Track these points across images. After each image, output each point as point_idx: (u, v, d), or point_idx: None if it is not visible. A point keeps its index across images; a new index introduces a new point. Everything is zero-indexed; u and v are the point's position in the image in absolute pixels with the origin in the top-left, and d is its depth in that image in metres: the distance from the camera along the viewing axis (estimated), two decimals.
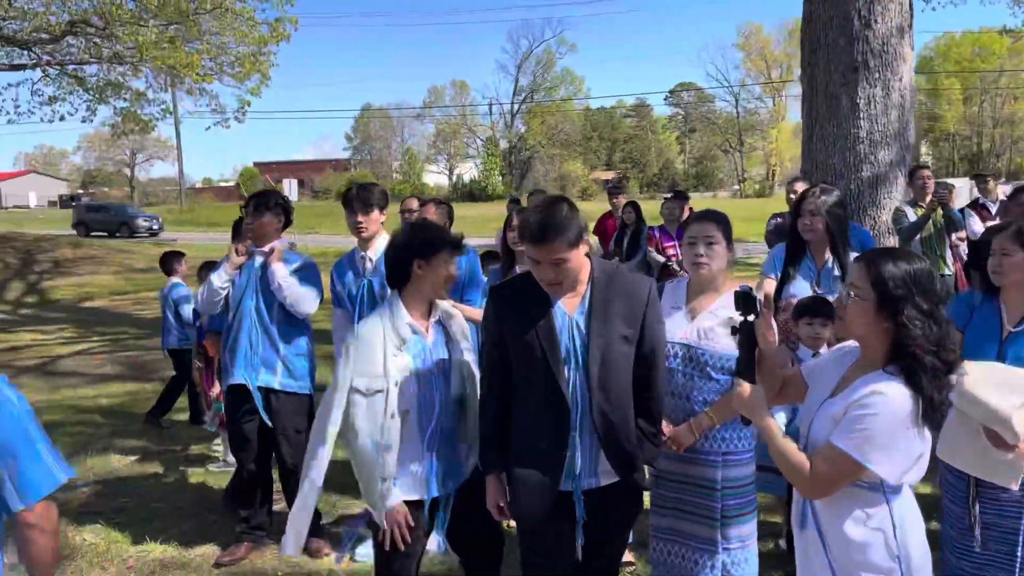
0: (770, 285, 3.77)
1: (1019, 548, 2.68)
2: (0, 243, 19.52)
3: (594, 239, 8.67)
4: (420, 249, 2.74)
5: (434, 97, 77.71)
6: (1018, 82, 62.25)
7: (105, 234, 32.18)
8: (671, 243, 7.76)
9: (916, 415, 1.93)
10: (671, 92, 79.72)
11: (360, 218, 3.98)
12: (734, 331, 2.16)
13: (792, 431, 2.37)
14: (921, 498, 2.25)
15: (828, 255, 3.69)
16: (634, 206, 8.32)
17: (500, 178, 64.85)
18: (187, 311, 6.32)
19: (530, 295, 2.46)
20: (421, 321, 2.78)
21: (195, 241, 26.56)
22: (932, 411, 1.93)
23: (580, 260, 2.42)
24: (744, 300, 2.13)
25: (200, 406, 6.44)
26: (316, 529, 4.27)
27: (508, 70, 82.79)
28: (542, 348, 2.42)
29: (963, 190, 15.71)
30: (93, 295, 15.60)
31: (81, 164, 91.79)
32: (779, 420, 2.90)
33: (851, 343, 2.16)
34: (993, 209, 7.46)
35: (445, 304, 2.89)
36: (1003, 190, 8.23)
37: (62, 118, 23.49)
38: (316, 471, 2.79)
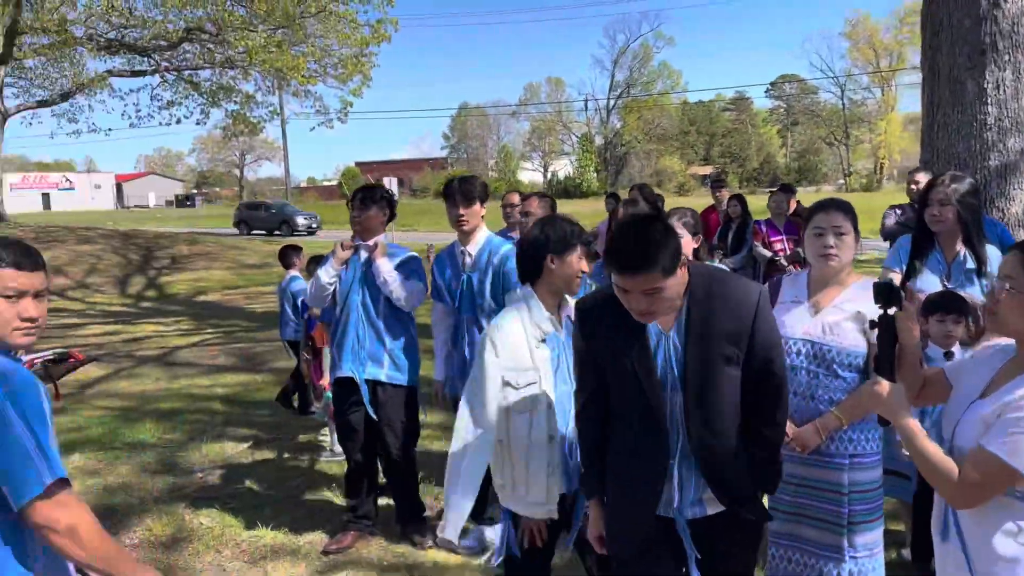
0: (895, 280, 3.56)
1: None
2: (123, 240, 20.66)
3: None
4: (553, 244, 2.68)
5: (530, 94, 78.09)
6: None
7: (264, 232, 33.07)
8: (778, 237, 7.51)
9: None
10: (772, 84, 77.65)
11: (461, 211, 3.98)
12: (872, 325, 2.02)
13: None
14: None
15: (959, 247, 3.45)
16: (739, 199, 8.08)
17: (595, 174, 64.47)
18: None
19: (619, 310, 2.13)
20: (553, 315, 2.75)
21: (317, 239, 27.46)
22: None
23: (677, 284, 2.08)
24: (886, 292, 1.98)
25: (308, 396, 6.62)
26: (420, 521, 4.31)
27: (604, 65, 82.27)
28: (635, 370, 2.17)
29: None
30: (207, 289, 16.31)
31: (195, 165, 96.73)
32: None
33: (1003, 341, 1.98)
34: None
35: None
36: None
37: (178, 121, 24.72)
38: (476, 462, 2.72)
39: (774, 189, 8.22)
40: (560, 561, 3.56)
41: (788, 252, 7.34)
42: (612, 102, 73.11)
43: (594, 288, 3.96)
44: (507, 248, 4.01)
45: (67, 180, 77.98)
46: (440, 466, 5.27)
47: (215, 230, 33.09)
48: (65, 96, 24.40)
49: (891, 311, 1.99)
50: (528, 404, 2.62)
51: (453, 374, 4.14)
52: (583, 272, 2.73)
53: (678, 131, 74.56)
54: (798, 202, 8.30)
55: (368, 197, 4.21)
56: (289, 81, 22.44)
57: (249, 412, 6.89)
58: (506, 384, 2.63)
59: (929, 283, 3.46)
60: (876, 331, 2.02)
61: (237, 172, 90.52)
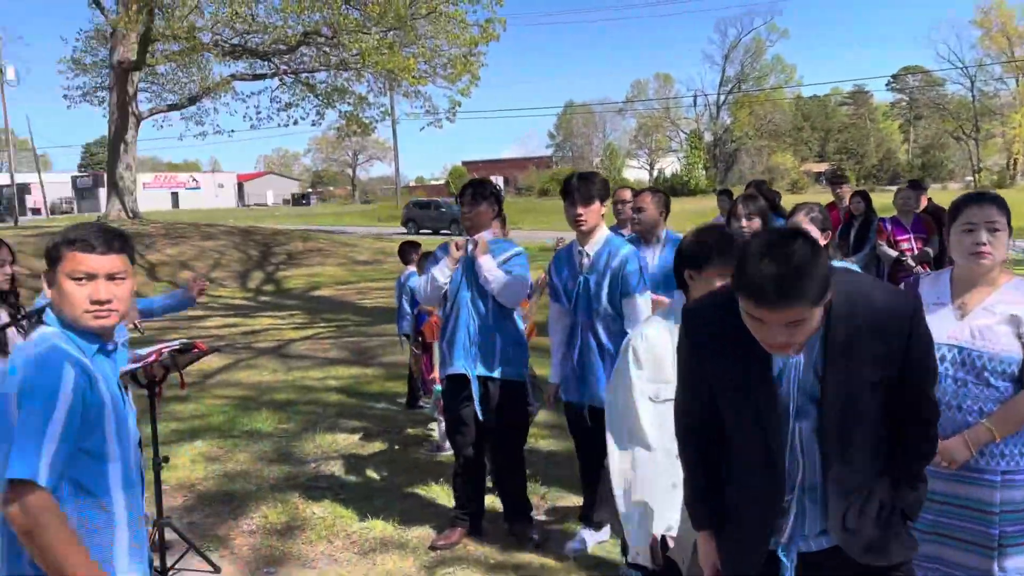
0: None
1: None
2: (243, 237, 21.62)
3: None
4: (689, 260, 2.49)
5: (637, 91, 77.11)
6: None
7: (431, 231, 33.16)
8: (905, 236, 7.08)
9: None
10: (894, 77, 73.86)
11: (580, 210, 3.81)
12: None
13: None
14: None
15: None
16: (863, 196, 7.68)
17: (703, 172, 63.04)
18: None
19: (737, 320, 1.78)
20: None
21: (415, 235, 28.01)
22: None
23: (821, 309, 1.72)
24: None
25: (417, 390, 6.70)
26: (527, 520, 4.26)
27: (714, 61, 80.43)
28: (754, 394, 1.86)
29: None
30: (320, 284, 16.85)
31: (310, 165, 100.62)
32: None
33: None
34: None
35: None
36: None
37: (295, 122, 25.73)
38: (644, 485, 2.60)
39: (901, 186, 7.78)
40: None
41: (916, 252, 6.92)
42: (722, 97, 71.33)
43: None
44: (627, 250, 3.84)
45: (194, 180, 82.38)
46: (547, 465, 5.24)
47: (328, 227, 34.22)
48: (193, 100, 25.79)
49: None
50: (660, 419, 2.48)
51: (567, 377, 4.03)
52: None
53: (791, 127, 71.98)
54: (929, 199, 7.82)
55: (478, 193, 4.18)
56: (400, 82, 22.96)
57: (360, 404, 7.04)
58: (643, 396, 2.51)
59: None
60: None
61: (350, 172, 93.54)
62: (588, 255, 3.88)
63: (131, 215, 23.47)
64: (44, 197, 45.27)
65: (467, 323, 4.14)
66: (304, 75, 24.82)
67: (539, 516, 4.46)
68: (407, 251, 6.96)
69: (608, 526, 4.09)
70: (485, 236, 4.18)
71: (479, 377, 4.12)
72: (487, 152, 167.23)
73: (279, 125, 24.87)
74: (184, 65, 24.80)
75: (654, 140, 75.50)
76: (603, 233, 3.93)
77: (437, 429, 5.72)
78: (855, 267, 3.42)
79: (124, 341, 4.00)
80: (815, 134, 74.34)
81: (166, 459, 4.03)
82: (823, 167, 69.02)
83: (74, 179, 75.18)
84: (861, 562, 1.88)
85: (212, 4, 21.99)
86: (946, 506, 2.49)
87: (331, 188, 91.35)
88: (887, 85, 75.53)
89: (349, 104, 24.82)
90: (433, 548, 4.14)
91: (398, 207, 48.03)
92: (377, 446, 5.88)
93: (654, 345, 2.53)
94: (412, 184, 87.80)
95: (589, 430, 3.85)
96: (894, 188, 8.57)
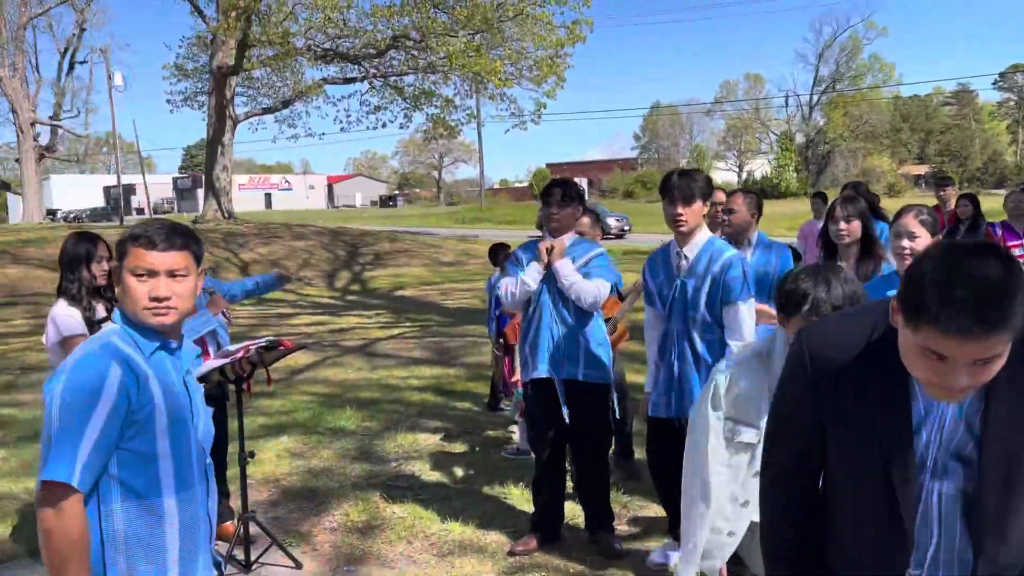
0: None
1: None
2: (332, 237, 22.15)
3: None
4: (783, 305, 2.25)
5: (726, 92, 75.63)
6: None
7: None
8: (1016, 241, 6.66)
9: None
10: (1002, 75, 70.12)
11: (680, 209, 3.60)
12: None
13: None
14: None
15: None
16: (971, 199, 7.30)
17: (794, 174, 61.23)
18: None
19: (873, 356, 1.50)
20: None
21: (499, 237, 28.16)
22: None
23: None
24: None
25: (499, 392, 6.67)
26: (608, 529, 4.15)
27: (808, 60, 77.99)
28: (886, 444, 1.53)
29: None
30: (405, 285, 17.08)
31: (398, 167, 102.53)
32: None
33: None
34: None
35: None
36: None
37: (384, 125, 26.22)
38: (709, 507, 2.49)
39: (1012, 188, 7.33)
40: None
41: None
42: (815, 98, 69.15)
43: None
44: (731, 254, 3.64)
45: (286, 181, 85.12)
46: (627, 474, 5.12)
47: (413, 229, 34.75)
48: (286, 103, 26.59)
49: None
50: (733, 463, 2.33)
51: (658, 387, 3.86)
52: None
53: (889, 128, 69.22)
54: None
55: (567, 194, 4.09)
56: (486, 84, 23.07)
57: (442, 405, 7.06)
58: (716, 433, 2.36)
59: None
60: None
61: (435, 174, 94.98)
62: (687, 257, 3.68)
63: (226, 215, 24.34)
64: (148, 197, 47.55)
65: (549, 326, 4.06)
66: (392, 78, 25.25)
67: (620, 526, 4.35)
68: (497, 253, 6.94)
69: None
70: (564, 239, 4.10)
71: (563, 380, 4.04)
72: (571, 154, 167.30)
73: (368, 128, 25.34)
74: (278, 69, 25.59)
75: (743, 142, 73.88)
76: (704, 235, 3.71)
77: (518, 432, 5.67)
78: None
79: (211, 332, 4.10)
80: (915, 135, 71.38)
81: (252, 454, 4.10)
82: (923, 170, 66.19)
83: (175, 180, 78.69)
84: None
85: (306, 10, 22.65)
86: None
87: (417, 190, 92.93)
88: (994, 84, 71.94)
89: (436, 107, 25.12)
90: (512, 554, 4.08)
91: (482, 209, 48.34)
92: (458, 447, 5.87)
93: (746, 386, 2.35)
94: (496, 187, 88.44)
95: (668, 446, 3.69)
96: (1000, 192, 8.05)
